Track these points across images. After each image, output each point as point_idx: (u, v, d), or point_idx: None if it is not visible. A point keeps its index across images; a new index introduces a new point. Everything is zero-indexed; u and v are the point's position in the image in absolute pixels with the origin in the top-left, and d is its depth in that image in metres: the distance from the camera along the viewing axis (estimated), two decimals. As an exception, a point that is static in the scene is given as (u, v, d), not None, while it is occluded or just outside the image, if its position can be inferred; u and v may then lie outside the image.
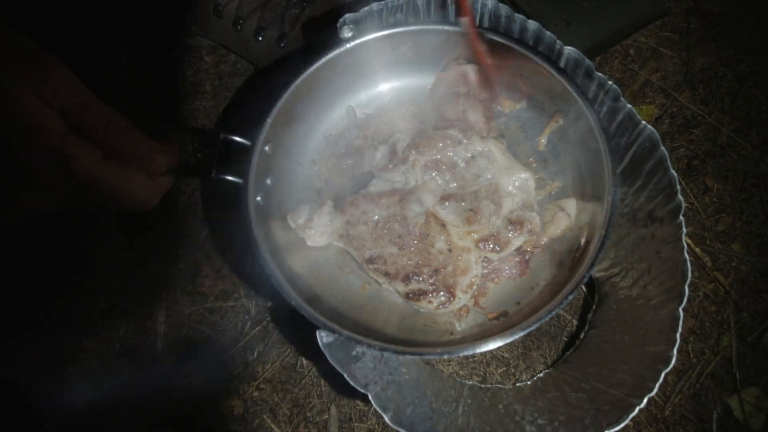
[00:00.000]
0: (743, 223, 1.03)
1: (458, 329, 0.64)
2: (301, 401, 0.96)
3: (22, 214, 0.54)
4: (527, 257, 0.67)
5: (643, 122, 0.68)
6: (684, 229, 0.62)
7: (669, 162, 0.65)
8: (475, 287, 0.64)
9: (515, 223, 0.66)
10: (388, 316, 0.65)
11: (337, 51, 0.69)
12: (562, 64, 0.71)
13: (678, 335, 0.57)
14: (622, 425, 0.55)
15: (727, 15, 1.18)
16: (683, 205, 0.63)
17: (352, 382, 0.55)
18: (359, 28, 0.71)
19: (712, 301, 0.99)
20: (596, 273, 0.90)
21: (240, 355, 0.99)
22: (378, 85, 0.77)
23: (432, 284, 0.62)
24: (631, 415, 0.56)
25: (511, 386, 0.86)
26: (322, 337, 0.58)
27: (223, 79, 1.18)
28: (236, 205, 1.02)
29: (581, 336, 0.89)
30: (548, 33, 0.72)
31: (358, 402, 0.95)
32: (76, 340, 1.01)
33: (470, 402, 0.73)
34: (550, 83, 0.69)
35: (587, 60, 0.71)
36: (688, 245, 1.00)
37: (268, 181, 0.68)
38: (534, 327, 0.56)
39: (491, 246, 0.65)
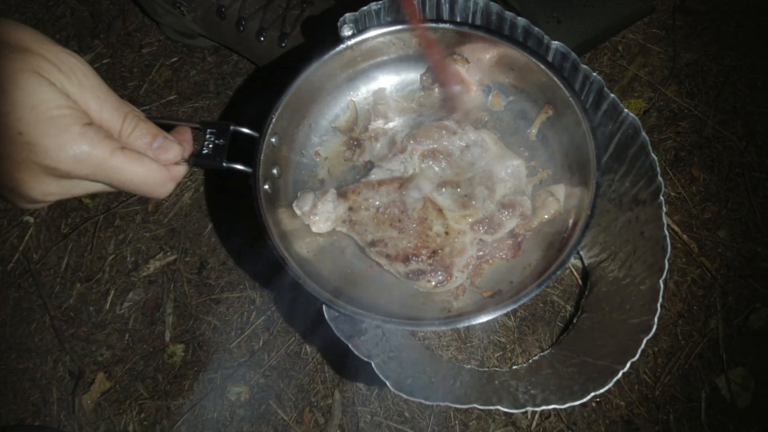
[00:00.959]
0: (728, 211, 1.07)
1: (455, 306, 0.68)
2: (305, 387, 0.99)
3: (46, 201, 0.57)
4: (519, 239, 0.71)
5: (626, 111, 0.72)
6: (664, 208, 0.66)
7: (650, 147, 0.69)
8: (470, 267, 0.68)
9: (507, 206, 0.70)
10: (390, 296, 0.69)
11: (338, 48, 0.73)
12: (549, 58, 0.75)
13: (659, 305, 0.61)
14: (607, 387, 0.59)
15: (712, 12, 1.23)
16: (663, 185, 0.67)
17: (356, 352, 0.59)
18: (358, 27, 0.75)
19: (699, 286, 1.03)
20: (588, 260, 0.94)
21: (246, 343, 1.02)
22: (377, 79, 0.81)
23: (430, 265, 0.66)
24: (615, 379, 0.60)
25: (507, 369, 0.90)
26: (329, 310, 0.61)
27: (225, 78, 1.22)
28: (240, 199, 1.07)
29: (574, 321, 0.93)
30: (536, 29, 0.76)
31: (361, 387, 0.99)
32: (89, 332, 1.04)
33: (468, 380, 0.77)
34: (539, 76, 0.73)
35: (573, 54, 0.75)
36: (677, 232, 1.04)
37: (275, 171, 0.72)
38: (525, 299, 0.60)
39: (485, 228, 0.69)
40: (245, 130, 0.66)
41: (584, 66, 0.73)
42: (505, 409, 0.60)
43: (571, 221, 0.68)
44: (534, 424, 0.94)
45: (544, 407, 0.60)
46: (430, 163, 0.72)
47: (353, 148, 0.78)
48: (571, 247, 0.62)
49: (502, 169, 0.72)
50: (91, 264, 1.08)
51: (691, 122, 1.14)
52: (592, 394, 0.59)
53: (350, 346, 0.58)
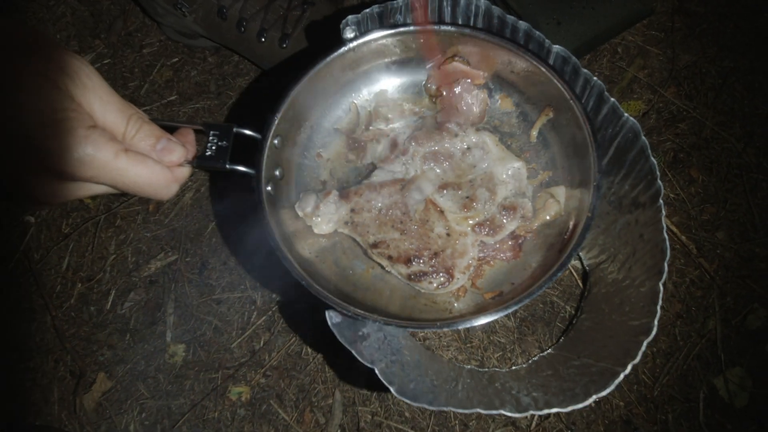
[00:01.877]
0: (727, 212, 1.08)
1: (456, 308, 0.69)
2: (306, 387, 1.00)
3: (51, 203, 0.57)
4: (520, 241, 0.72)
5: (626, 114, 0.72)
6: (663, 211, 0.66)
7: (649, 150, 0.69)
8: (472, 269, 0.69)
9: (508, 208, 0.70)
10: (391, 297, 0.69)
11: (340, 50, 0.73)
12: (551, 62, 0.76)
13: (658, 307, 0.61)
14: (609, 390, 0.60)
15: (711, 14, 1.23)
16: (662, 189, 0.67)
17: (359, 358, 0.59)
18: (361, 29, 0.76)
19: (697, 287, 1.03)
20: (587, 261, 0.95)
21: (247, 343, 1.03)
22: (379, 81, 0.81)
23: (432, 266, 0.66)
24: (617, 381, 0.60)
25: (507, 369, 0.91)
26: (332, 317, 0.62)
27: (226, 79, 1.22)
28: (242, 199, 1.07)
29: (573, 322, 0.94)
30: (537, 33, 0.76)
31: (362, 387, 0.99)
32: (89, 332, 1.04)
33: (469, 381, 0.77)
34: (541, 79, 0.73)
35: (574, 58, 0.75)
36: (675, 234, 1.05)
37: (277, 173, 0.72)
38: (526, 301, 0.60)
39: (486, 230, 0.69)
40: (248, 132, 0.67)
41: (585, 70, 0.74)
42: (509, 414, 0.60)
43: (571, 223, 0.68)
44: (534, 424, 0.95)
45: (546, 411, 0.61)
46: (432, 165, 0.73)
47: (355, 149, 0.79)
48: (571, 248, 0.63)
49: (503, 171, 0.72)
50: (92, 264, 1.08)
51: (689, 124, 1.15)
52: (594, 396, 0.60)
53: (354, 352, 0.59)
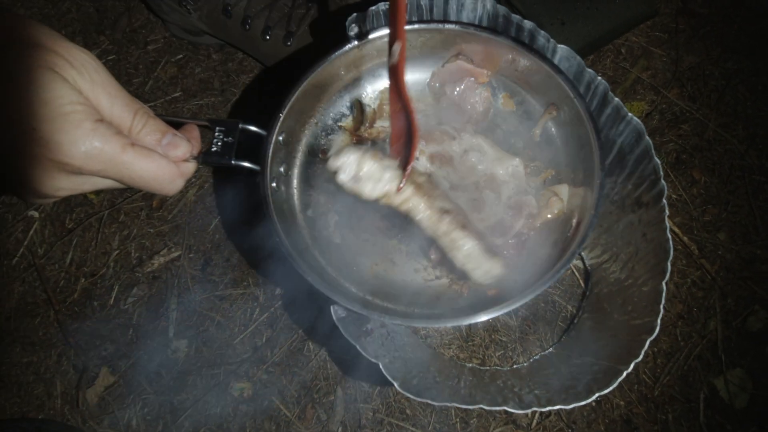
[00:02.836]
0: (729, 214, 1.08)
1: (459, 304, 0.69)
2: (308, 383, 1.00)
3: (56, 196, 0.58)
4: (524, 239, 0.72)
5: (630, 114, 0.72)
6: (667, 211, 0.66)
7: (653, 151, 0.70)
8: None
9: (514, 207, 0.71)
10: (395, 294, 0.69)
11: (345, 48, 0.73)
12: (555, 62, 0.76)
13: (661, 306, 0.61)
14: (611, 388, 0.60)
15: (714, 15, 1.23)
16: (666, 189, 0.68)
17: (364, 353, 0.60)
18: (365, 27, 0.76)
19: (699, 288, 1.04)
20: (589, 261, 0.95)
21: (249, 339, 1.03)
22: (383, 79, 0.82)
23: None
24: (619, 380, 0.60)
25: (509, 368, 0.91)
26: (336, 311, 0.62)
27: (230, 76, 1.22)
28: (244, 196, 1.07)
29: (575, 321, 0.94)
30: (542, 32, 0.77)
31: (363, 384, 0.99)
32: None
33: (471, 379, 0.77)
34: (545, 78, 0.74)
35: (578, 57, 0.75)
36: (677, 234, 1.05)
37: (282, 169, 0.72)
38: (529, 298, 0.60)
39: (498, 233, 0.69)
40: (253, 128, 0.67)
41: (589, 70, 0.74)
42: (512, 410, 0.60)
43: (574, 221, 0.68)
44: (534, 422, 0.95)
45: (549, 408, 0.61)
46: (438, 165, 0.73)
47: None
48: (575, 246, 0.63)
49: (503, 170, 0.73)
50: (96, 259, 1.09)
51: (692, 125, 1.15)
52: (597, 394, 0.60)
53: (358, 347, 0.59)
